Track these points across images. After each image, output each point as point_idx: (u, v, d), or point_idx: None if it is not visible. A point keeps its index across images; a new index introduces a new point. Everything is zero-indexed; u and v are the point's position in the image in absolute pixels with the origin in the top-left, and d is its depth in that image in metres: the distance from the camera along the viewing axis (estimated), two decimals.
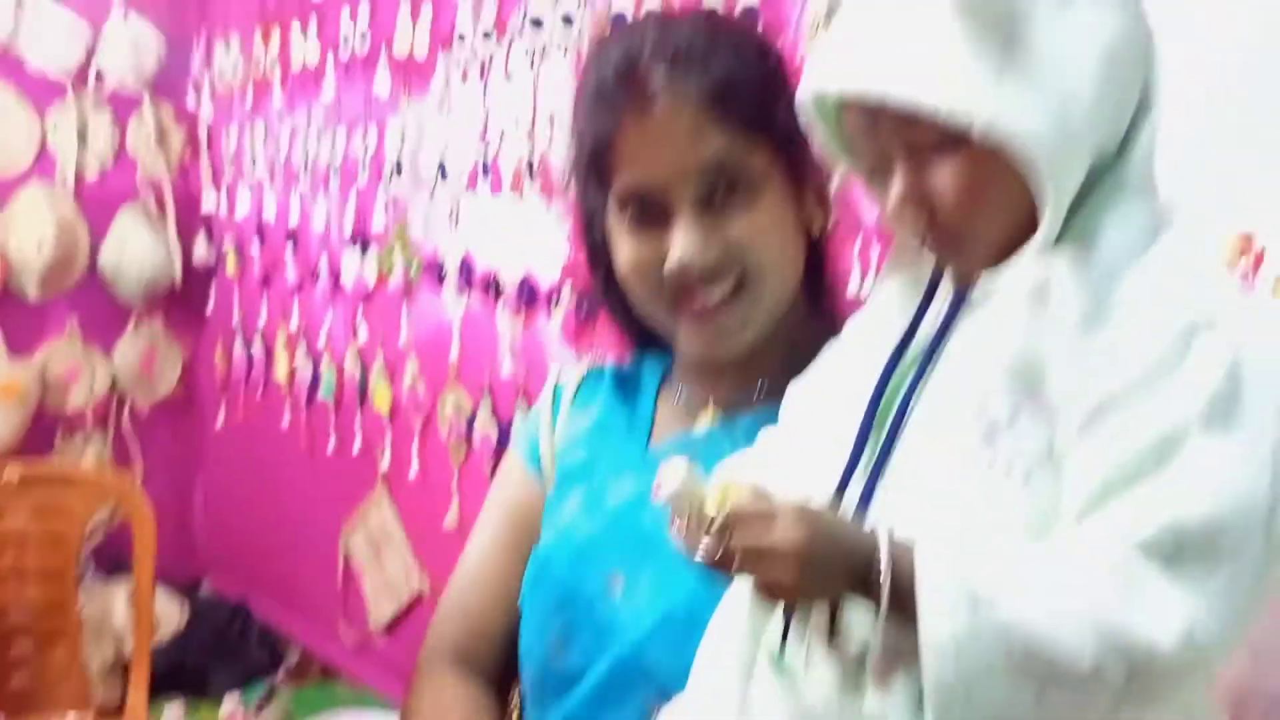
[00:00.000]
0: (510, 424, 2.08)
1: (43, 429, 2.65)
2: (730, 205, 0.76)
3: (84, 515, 1.93)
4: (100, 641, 2.34)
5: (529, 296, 2.00)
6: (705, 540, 0.55)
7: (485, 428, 2.12)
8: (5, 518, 1.89)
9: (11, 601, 1.89)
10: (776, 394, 0.73)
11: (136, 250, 2.73)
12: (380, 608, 2.40)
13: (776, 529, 0.54)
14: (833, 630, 0.58)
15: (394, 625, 2.37)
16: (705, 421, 0.81)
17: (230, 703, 1.38)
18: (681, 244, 0.75)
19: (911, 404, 0.60)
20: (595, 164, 0.79)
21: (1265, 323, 0.57)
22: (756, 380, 0.81)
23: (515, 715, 0.88)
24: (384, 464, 2.37)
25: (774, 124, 0.76)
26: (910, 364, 0.62)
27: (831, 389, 0.67)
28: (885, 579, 0.53)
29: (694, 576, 0.68)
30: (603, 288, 0.86)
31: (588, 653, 0.75)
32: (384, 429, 2.37)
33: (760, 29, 0.91)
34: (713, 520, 0.55)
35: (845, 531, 0.55)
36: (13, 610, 1.88)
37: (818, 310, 0.85)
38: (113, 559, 2.60)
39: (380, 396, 2.37)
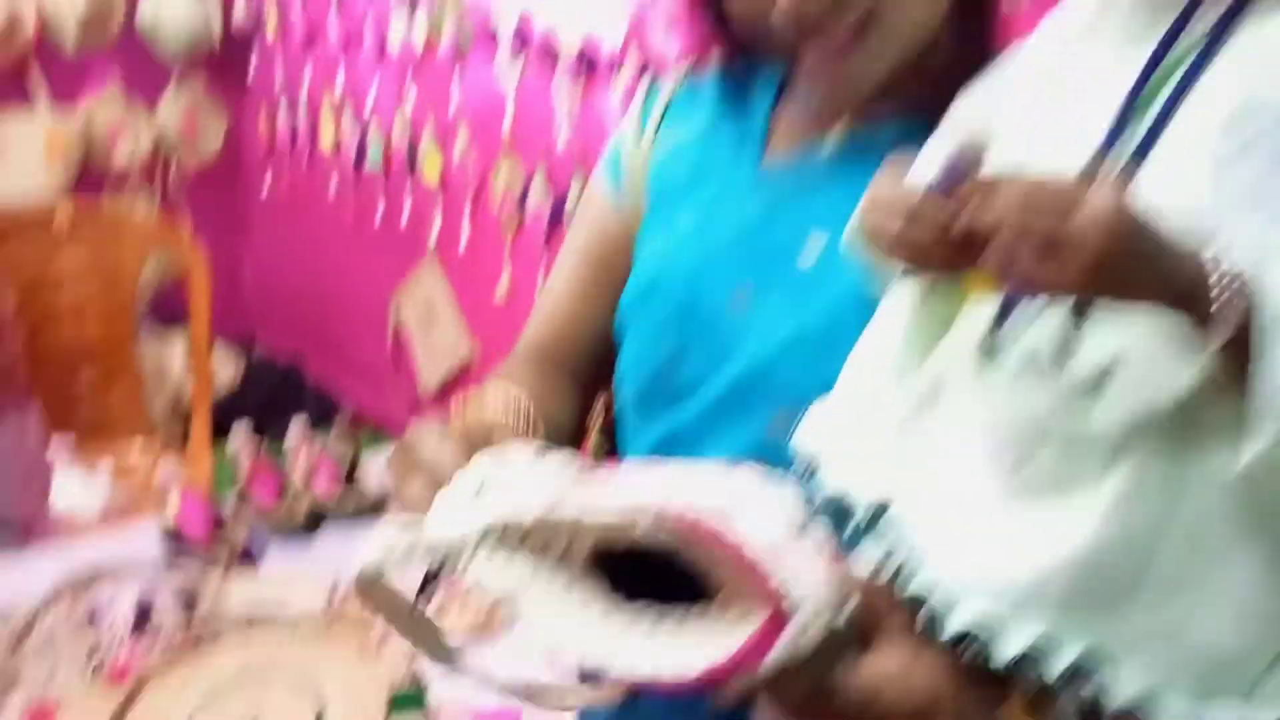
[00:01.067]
0: (565, 197, 2.06)
1: (90, 185, 2.65)
2: None
3: (138, 258, 1.95)
4: (160, 389, 2.42)
5: (589, 63, 1.93)
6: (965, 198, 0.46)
7: (539, 200, 2.10)
8: (62, 258, 1.92)
9: (73, 338, 1.95)
10: (920, 114, 0.67)
11: (174, 7, 2.65)
12: (430, 374, 2.46)
13: (1081, 212, 0.45)
14: (1067, 340, 0.52)
15: (444, 392, 2.43)
16: (832, 139, 0.74)
17: (297, 428, 1.42)
18: None
19: (1175, 107, 0.52)
20: None
21: None
22: (894, 99, 0.72)
23: (597, 427, 0.88)
24: (433, 236, 2.37)
25: None
26: (1173, 66, 0.54)
27: (1035, 93, 0.59)
28: (1229, 304, 0.46)
29: (833, 294, 0.66)
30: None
31: (705, 367, 0.71)
32: (434, 201, 2.35)
33: None
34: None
35: (1160, 232, 0.45)
36: (75, 346, 1.94)
37: (970, 36, 0.76)
38: (165, 315, 2.66)
39: (430, 167, 2.34)
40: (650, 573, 0.49)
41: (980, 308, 0.58)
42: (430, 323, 2.45)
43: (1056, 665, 0.50)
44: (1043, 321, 0.55)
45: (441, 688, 0.98)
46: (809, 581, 0.45)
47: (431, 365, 2.46)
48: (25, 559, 1.28)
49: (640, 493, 0.47)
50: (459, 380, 2.39)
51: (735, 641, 0.45)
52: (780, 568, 0.45)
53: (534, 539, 0.48)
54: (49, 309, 1.92)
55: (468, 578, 0.47)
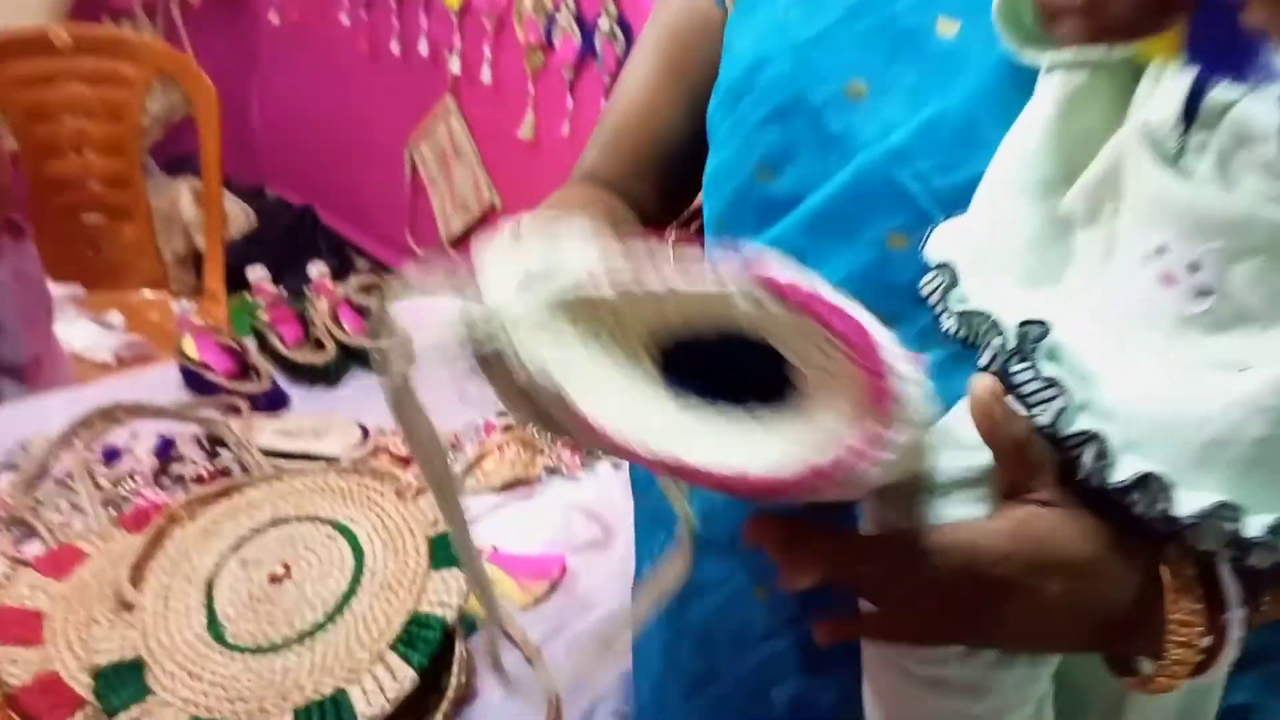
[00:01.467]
0: (595, 25, 1.91)
1: (87, 14, 2.49)
2: None
3: (141, 84, 1.82)
4: (169, 235, 2.33)
5: None
6: None
7: (567, 29, 1.95)
8: (60, 85, 1.80)
9: (76, 173, 1.85)
10: None
11: None
12: (450, 222, 2.35)
13: None
14: None
15: (465, 240, 2.33)
16: None
17: (316, 270, 1.33)
18: None
19: None
20: None
21: None
22: None
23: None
24: (453, 68, 2.22)
25: None
26: None
27: None
28: None
29: (971, 78, 0.54)
30: None
31: (810, 172, 0.60)
32: (453, 29, 2.19)
33: None
34: None
35: None
36: (78, 182, 1.84)
37: None
38: (173, 158, 2.54)
39: None
40: (722, 382, 0.41)
41: (1158, 96, 0.47)
42: (449, 166, 2.32)
43: (1245, 530, 0.42)
44: (1248, 104, 0.44)
45: (483, 531, 0.92)
46: (916, 381, 0.37)
47: (451, 212, 2.35)
48: (36, 402, 1.22)
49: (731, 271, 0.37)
50: (481, 229, 2.29)
51: (843, 437, 0.36)
52: (897, 357, 0.36)
53: (605, 323, 0.40)
54: (49, 141, 1.81)
55: (526, 360, 0.39)
